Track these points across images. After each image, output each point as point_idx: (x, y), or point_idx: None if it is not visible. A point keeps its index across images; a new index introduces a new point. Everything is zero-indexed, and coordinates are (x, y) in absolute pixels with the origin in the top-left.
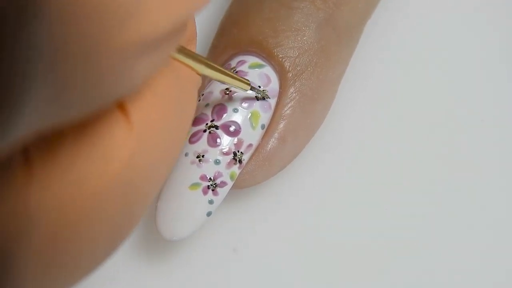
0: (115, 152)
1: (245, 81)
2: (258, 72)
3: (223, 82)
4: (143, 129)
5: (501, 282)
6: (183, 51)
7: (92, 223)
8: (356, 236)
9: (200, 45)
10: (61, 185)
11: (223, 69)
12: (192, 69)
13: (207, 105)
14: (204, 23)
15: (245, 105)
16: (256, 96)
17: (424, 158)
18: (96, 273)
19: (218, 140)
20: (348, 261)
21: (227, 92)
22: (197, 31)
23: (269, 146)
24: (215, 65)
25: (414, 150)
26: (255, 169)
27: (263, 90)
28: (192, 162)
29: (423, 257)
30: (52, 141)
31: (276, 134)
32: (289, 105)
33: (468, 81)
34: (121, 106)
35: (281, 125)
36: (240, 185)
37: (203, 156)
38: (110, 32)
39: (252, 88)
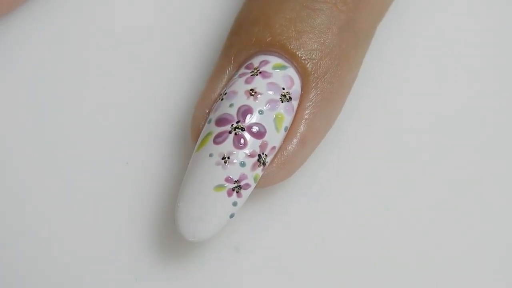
0: None
1: None
2: (282, 74)
3: None
4: None
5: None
6: None
7: None
8: (358, 236)
9: (212, 42)
10: None
11: None
12: None
13: (231, 105)
14: (217, 16)
15: (270, 107)
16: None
17: (430, 158)
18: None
19: (244, 142)
20: (350, 261)
21: (252, 93)
22: (207, 28)
23: (290, 148)
24: None
25: (419, 150)
26: (275, 171)
27: None
28: (217, 164)
29: (428, 256)
30: None
31: (297, 136)
32: (310, 107)
33: (475, 81)
34: None
35: (302, 128)
36: (259, 185)
37: (228, 157)
38: None
39: None
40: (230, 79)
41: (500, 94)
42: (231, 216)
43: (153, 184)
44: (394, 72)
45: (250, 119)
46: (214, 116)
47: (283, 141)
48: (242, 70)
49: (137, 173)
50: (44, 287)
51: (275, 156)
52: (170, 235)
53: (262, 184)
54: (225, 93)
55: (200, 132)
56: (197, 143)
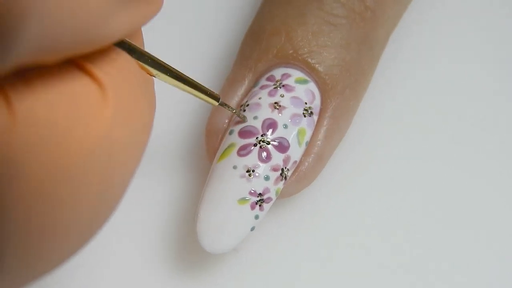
0: (96, 116)
1: (216, 96)
2: (304, 88)
3: (189, 93)
4: (119, 100)
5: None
6: (145, 57)
7: (75, 183)
8: (356, 235)
9: (225, 44)
10: (43, 135)
11: (193, 80)
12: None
13: (255, 117)
14: (225, 21)
15: (293, 121)
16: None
17: (433, 165)
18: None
19: (268, 156)
20: (349, 261)
21: (277, 107)
22: (219, 30)
23: (308, 163)
24: (184, 77)
25: (420, 155)
26: (292, 185)
27: (238, 112)
28: (242, 176)
29: (432, 250)
30: (33, 84)
31: (315, 151)
32: (329, 123)
33: (476, 90)
34: (90, 73)
35: (320, 143)
36: None
37: (253, 171)
38: None
39: (223, 105)
40: (249, 89)
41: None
42: (252, 229)
43: (159, 187)
44: (392, 80)
45: (274, 133)
46: (236, 127)
47: (302, 156)
48: (263, 82)
49: (145, 177)
50: None
51: (294, 170)
52: (167, 237)
53: (279, 197)
54: (247, 105)
55: (217, 141)
56: (218, 153)
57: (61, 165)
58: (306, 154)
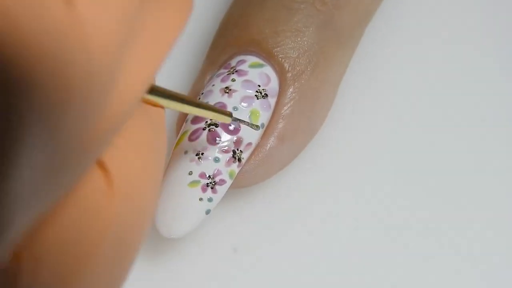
0: (101, 212)
1: (227, 113)
2: (258, 72)
3: (202, 116)
4: (123, 182)
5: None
6: (156, 90)
7: (88, 279)
8: (355, 235)
9: (200, 46)
10: (55, 249)
11: (201, 103)
12: (163, 106)
13: (206, 103)
14: (204, 23)
15: (244, 104)
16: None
17: (424, 160)
18: None
19: (218, 138)
20: (348, 261)
21: (227, 91)
22: (198, 32)
23: (268, 145)
24: (193, 100)
25: (414, 152)
26: (254, 169)
27: (250, 123)
28: (192, 160)
29: (421, 249)
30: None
31: (275, 133)
32: (288, 105)
33: (468, 81)
34: (99, 163)
35: (280, 125)
36: (239, 184)
37: (202, 153)
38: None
39: (236, 120)
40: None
41: (499, 94)
42: (207, 212)
43: None
44: (387, 74)
45: None
46: (190, 115)
47: (261, 139)
48: (220, 70)
49: None
50: None
51: (253, 153)
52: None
53: (244, 182)
54: (202, 93)
55: None
56: (175, 143)
57: (73, 267)
58: (265, 136)
